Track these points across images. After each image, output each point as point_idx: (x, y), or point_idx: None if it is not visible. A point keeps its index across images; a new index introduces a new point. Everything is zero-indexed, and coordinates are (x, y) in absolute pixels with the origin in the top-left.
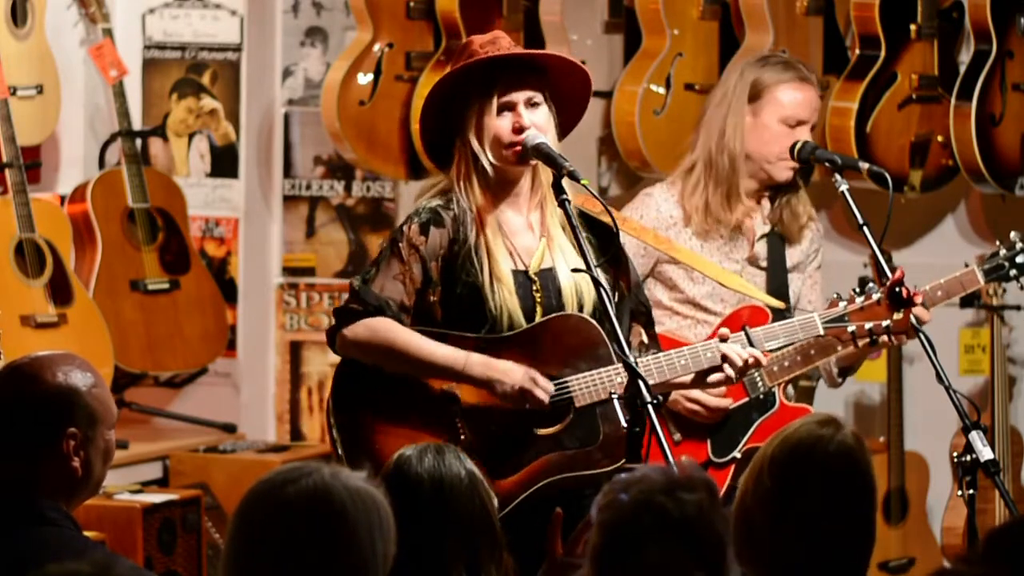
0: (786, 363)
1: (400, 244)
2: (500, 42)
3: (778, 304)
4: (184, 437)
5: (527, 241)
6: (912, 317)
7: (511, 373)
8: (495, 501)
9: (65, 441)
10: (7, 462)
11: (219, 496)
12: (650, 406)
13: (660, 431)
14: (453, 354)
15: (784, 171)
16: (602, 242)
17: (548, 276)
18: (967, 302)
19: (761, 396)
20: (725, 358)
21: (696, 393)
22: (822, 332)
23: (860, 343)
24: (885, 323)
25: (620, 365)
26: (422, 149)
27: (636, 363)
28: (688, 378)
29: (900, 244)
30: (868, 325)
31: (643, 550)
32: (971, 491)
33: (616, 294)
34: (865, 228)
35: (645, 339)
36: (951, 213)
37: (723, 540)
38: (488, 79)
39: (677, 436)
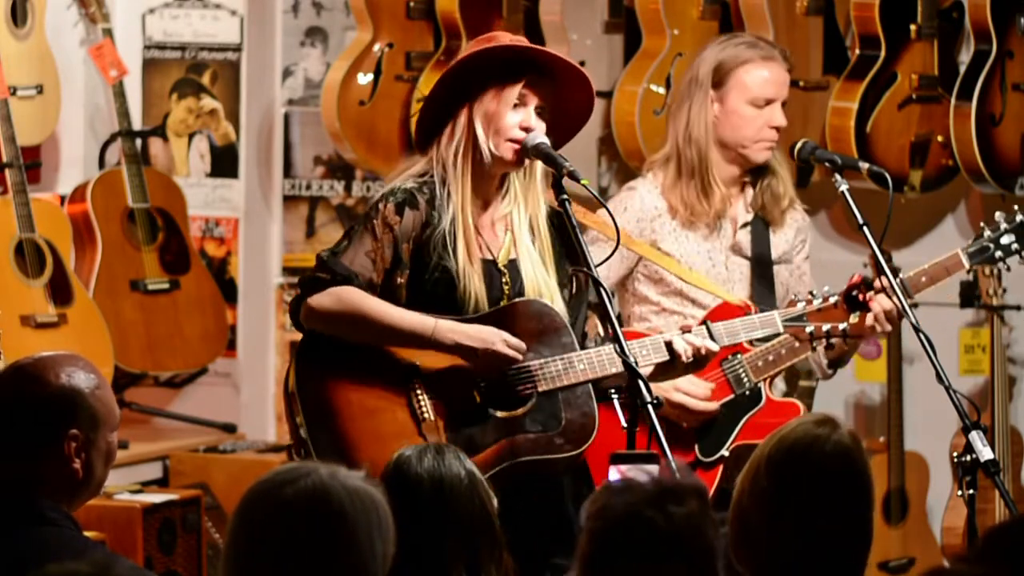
0: (770, 358)
1: (375, 221)
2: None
3: (736, 300)
4: (184, 437)
5: (493, 237)
6: (910, 315)
7: (483, 338)
8: (495, 501)
9: (67, 442)
10: (8, 462)
11: (219, 496)
12: (650, 406)
13: (659, 430)
14: (421, 320)
15: (761, 152)
16: (565, 239)
17: (515, 268)
18: (967, 302)
19: (747, 392)
20: (670, 348)
21: (680, 397)
22: (781, 330)
23: (816, 344)
24: (842, 326)
25: (582, 352)
26: (418, 121)
27: (636, 363)
28: (648, 370)
29: (900, 244)
30: (825, 327)
31: (632, 563)
32: (971, 491)
33: (575, 287)
34: (865, 228)
35: (600, 331)
36: (951, 213)
37: (713, 548)
38: (514, 72)
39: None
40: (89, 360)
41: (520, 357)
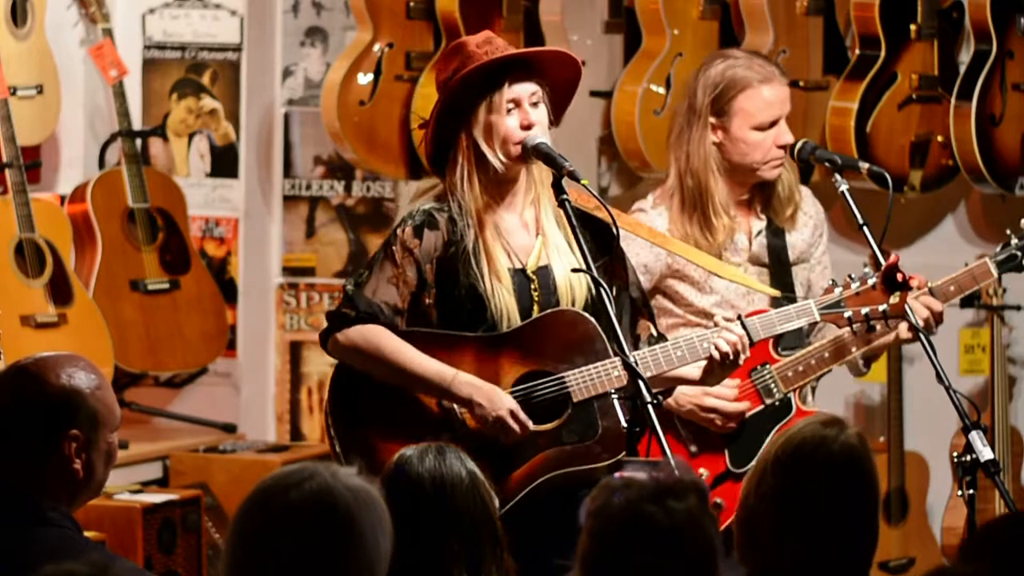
0: (800, 368)
1: (394, 247)
2: (495, 42)
3: (774, 292)
4: (184, 437)
5: (523, 240)
6: (912, 317)
7: (494, 401)
8: (496, 501)
9: (67, 443)
10: (9, 462)
11: (219, 496)
12: (650, 406)
13: (659, 430)
14: (440, 370)
15: (772, 171)
16: (599, 238)
17: (545, 274)
18: (967, 302)
19: (777, 403)
20: (716, 345)
21: (711, 401)
22: (818, 318)
23: (856, 327)
24: (882, 308)
25: (616, 359)
26: (427, 156)
27: (636, 362)
28: (690, 372)
29: (900, 244)
30: (864, 310)
31: (632, 559)
32: (971, 491)
33: (614, 289)
34: (865, 228)
35: (654, 332)
36: (951, 213)
37: (713, 544)
38: (495, 79)
39: (693, 448)
40: (90, 360)
41: (519, 436)
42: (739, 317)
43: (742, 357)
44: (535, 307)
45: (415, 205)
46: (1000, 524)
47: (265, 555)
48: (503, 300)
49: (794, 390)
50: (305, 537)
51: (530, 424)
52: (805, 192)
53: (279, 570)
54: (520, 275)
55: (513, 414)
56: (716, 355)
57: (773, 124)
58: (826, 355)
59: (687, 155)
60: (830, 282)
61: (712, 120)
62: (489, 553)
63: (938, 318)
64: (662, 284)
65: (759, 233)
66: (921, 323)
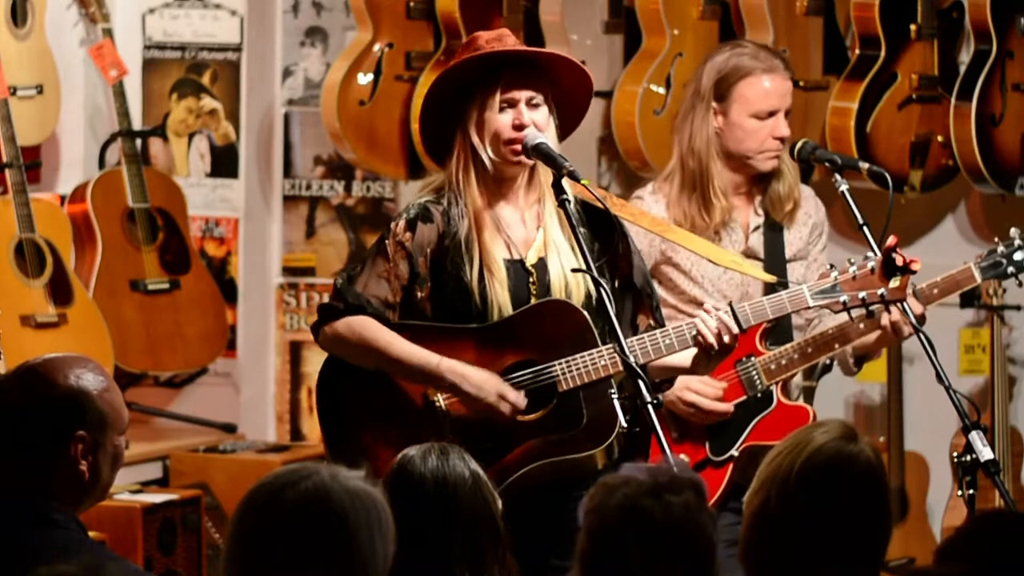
0: (783, 361)
1: (387, 241)
2: (506, 39)
3: (770, 278)
4: (184, 437)
5: (523, 234)
6: (910, 314)
7: (482, 386)
8: (499, 502)
9: (74, 444)
10: (15, 463)
11: (219, 496)
12: (650, 406)
13: (660, 430)
14: (426, 357)
15: (767, 162)
16: (602, 233)
17: (542, 268)
18: (967, 302)
19: (759, 395)
20: (699, 333)
21: (691, 396)
22: (811, 304)
23: (854, 313)
24: (880, 291)
25: (603, 348)
26: (421, 143)
27: (637, 363)
28: (681, 360)
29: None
30: (862, 294)
31: (631, 554)
32: (971, 491)
33: (616, 283)
34: (865, 228)
35: (652, 323)
36: (951, 213)
37: (711, 539)
38: (492, 75)
39: (675, 434)
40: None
41: (510, 414)
42: (729, 304)
43: (728, 343)
44: (532, 300)
45: (415, 199)
46: (978, 524)
47: (262, 554)
48: (494, 292)
49: (776, 383)
50: (299, 536)
51: (522, 403)
52: (807, 192)
53: (276, 569)
54: (518, 267)
55: (502, 397)
56: (705, 340)
57: (771, 115)
58: (809, 350)
59: (690, 136)
60: (828, 267)
61: (714, 104)
62: (491, 553)
63: (919, 320)
64: (656, 271)
65: (756, 228)
66: (890, 324)
